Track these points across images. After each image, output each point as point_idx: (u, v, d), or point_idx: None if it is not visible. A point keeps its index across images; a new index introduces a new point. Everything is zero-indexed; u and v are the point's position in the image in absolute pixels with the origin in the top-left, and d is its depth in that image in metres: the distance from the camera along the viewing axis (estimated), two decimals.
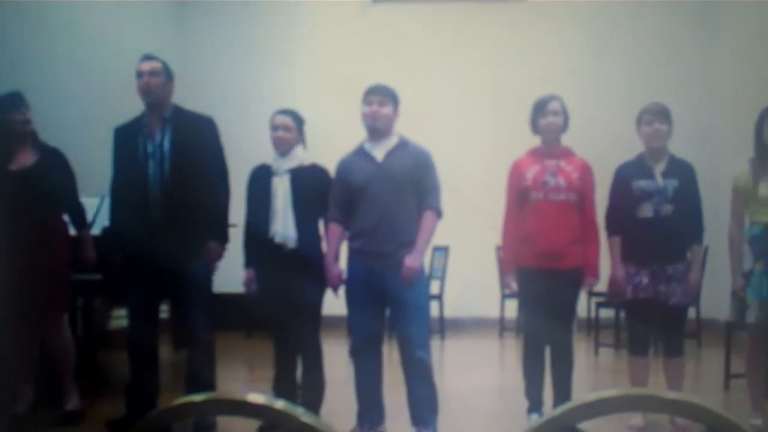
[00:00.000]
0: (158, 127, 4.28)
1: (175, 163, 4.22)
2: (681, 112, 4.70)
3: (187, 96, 4.58)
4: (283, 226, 4.25)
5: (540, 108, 4.50)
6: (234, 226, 4.45)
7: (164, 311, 5.11)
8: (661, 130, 4.44)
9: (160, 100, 4.30)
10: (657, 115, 4.45)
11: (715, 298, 5.56)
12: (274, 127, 4.38)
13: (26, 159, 4.51)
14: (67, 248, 4.59)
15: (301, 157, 4.40)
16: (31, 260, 4.36)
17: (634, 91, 6.74)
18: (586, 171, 4.48)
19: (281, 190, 4.30)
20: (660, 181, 4.42)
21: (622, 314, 5.90)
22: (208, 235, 4.30)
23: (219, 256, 4.35)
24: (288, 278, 4.23)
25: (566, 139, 4.58)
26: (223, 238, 4.37)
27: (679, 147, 4.62)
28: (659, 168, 4.46)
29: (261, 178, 4.39)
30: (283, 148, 4.37)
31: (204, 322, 4.34)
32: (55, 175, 4.51)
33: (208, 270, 4.37)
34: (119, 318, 5.38)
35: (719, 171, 4.86)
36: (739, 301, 4.44)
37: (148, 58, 4.33)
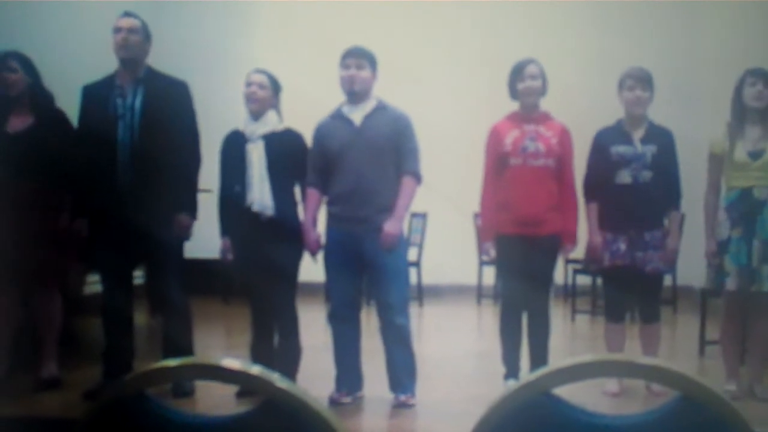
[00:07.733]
0: (130, 87, 4.20)
1: (145, 124, 4.15)
2: (660, 78, 4.68)
3: (158, 59, 4.50)
4: (260, 195, 4.20)
5: (517, 72, 4.46)
6: (208, 191, 4.39)
7: (139, 277, 5.05)
8: (642, 97, 4.44)
9: (136, 58, 4.24)
10: (639, 81, 4.44)
11: (690, 265, 5.60)
12: (248, 83, 4.29)
13: (20, 123, 4.37)
14: (62, 213, 4.42)
15: (274, 122, 4.32)
16: (23, 225, 4.24)
17: (613, 55, 6.71)
18: (564, 136, 4.46)
19: (256, 157, 4.23)
20: (639, 147, 4.42)
21: (599, 281, 5.93)
22: (178, 206, 4.22)
23: (188, 228, 4.28)
24: (265, 246, 4.20)
25: (546, 104, 4.56)
26: (193, 209, 4.28)
27: (657, 113, 4.61)
28: (638, 134, 4.46)
29: (234, 145, 4.32)
30: (255, 105, 4.27)
31: (177, 286, 4.30)
32: (51, 141, 4.33)
33: (179, 235, 4.30)
34: (94, 283, 5.31)
35: (698, 138, 4.85)
36: (715, 268, 4.43)
37: (127, 14, 4.26)
